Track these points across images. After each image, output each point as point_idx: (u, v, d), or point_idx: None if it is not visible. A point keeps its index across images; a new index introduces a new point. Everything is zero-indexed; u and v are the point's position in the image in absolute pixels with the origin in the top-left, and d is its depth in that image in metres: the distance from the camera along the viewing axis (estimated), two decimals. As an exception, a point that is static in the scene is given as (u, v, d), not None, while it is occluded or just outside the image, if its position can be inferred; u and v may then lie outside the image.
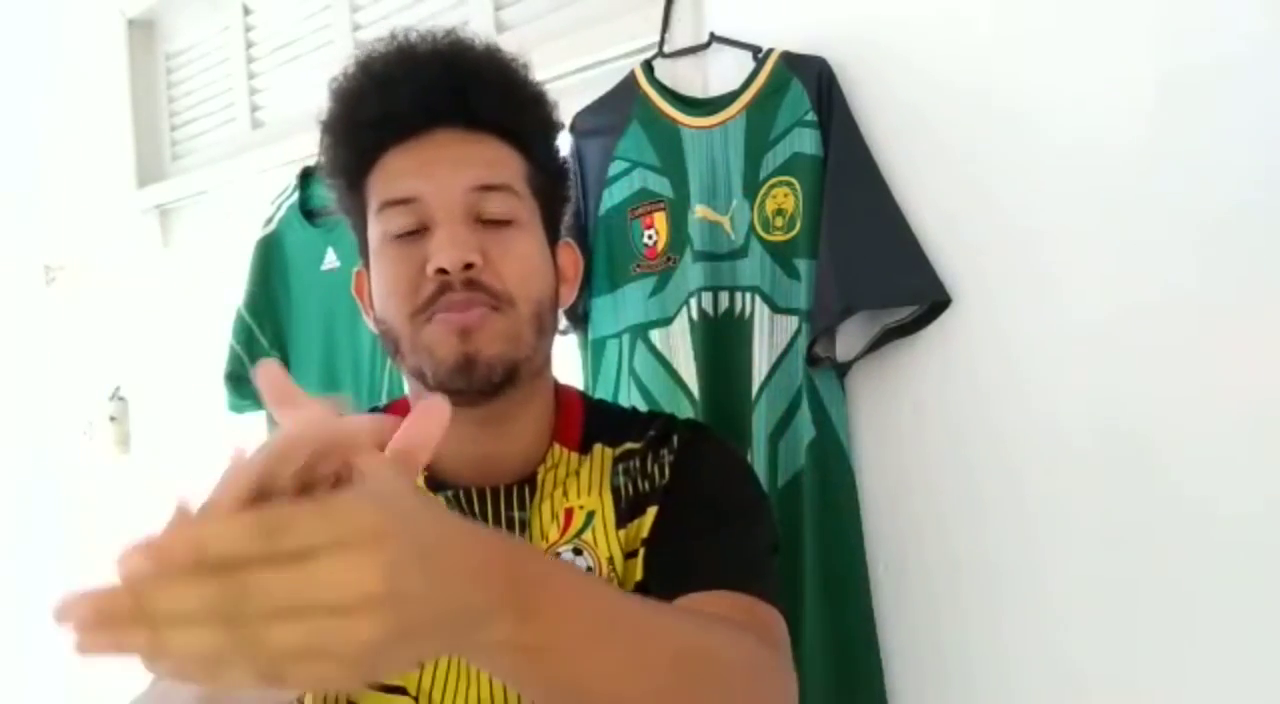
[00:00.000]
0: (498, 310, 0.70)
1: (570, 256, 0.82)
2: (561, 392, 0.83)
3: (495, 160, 0.74)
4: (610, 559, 0.75)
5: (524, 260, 0.73)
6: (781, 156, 1.06)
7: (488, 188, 0.72)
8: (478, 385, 0.70)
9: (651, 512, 0.75)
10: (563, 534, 0.75)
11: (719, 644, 0.58)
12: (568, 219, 0.88)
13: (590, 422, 0.80)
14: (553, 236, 0.79)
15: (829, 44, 1.05)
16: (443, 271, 0.69)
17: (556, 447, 0.78)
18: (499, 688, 0.71)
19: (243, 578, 0.31)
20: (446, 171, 0.71)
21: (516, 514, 0.75)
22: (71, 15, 2.39)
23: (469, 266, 0.69)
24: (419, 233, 0.71)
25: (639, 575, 0.75)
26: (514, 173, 0.74)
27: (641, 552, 0.74)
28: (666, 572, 0.72)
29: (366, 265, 0.78)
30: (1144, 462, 0.89)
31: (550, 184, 0.79)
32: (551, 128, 0.80)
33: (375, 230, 0.74)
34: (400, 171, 0.73)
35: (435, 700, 0.72)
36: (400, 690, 0.72)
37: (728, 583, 0.67)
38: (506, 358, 0.70)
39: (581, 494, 0.76)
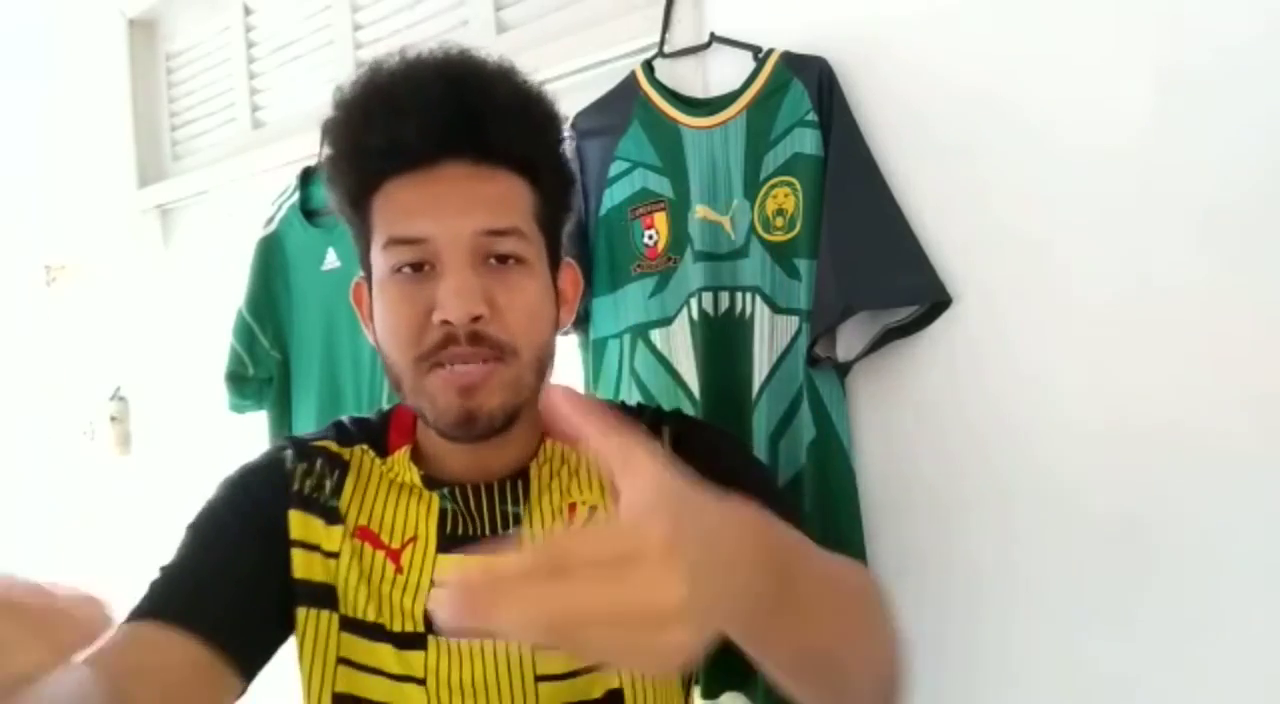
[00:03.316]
0: (501, 361, 0.71)
1: (571, 277, 0.83)
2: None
3: (505, 199, 0.73)
4: None
5: (529, 306, 0.73)
6: (782, 156, 1.06)
7: (496, 232, 0.72)
8: (478, 435, 0.72)
9: None
10: None
11: (863, 576, 0.61)
12: (569, 227, 0.88)
13: None
14: (555, 260, 0.79)
15: (829, 44, 1.05)
16: (448, 322, 0.69)
17: (549, 442, 0.80)
18: (502, 668, 0.74)
19: (566, 590, 0.33)
20: (455, 212, 0.71)
21: (510, 509, 0.77)
22: (71, 15, 2.39)
23: (476, 318, 0.69)
24: (424, 268, 0.71)
25: None
26: (523, 212, 0.74)
27: None
28: None
29: (367, 274, 0.78)
30: (1147, 461, 0.89)
31: (557, 212, 0.79)
32: (561, 147, 0.80)
33: (380, 262, 0.74)
34: (408, 208, 0.72)
35: (443, 680, 0.73)
36: (411, 679, 0.74)
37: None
38: (508, 406, 0.72)
39: (584, 490, 0.78)
